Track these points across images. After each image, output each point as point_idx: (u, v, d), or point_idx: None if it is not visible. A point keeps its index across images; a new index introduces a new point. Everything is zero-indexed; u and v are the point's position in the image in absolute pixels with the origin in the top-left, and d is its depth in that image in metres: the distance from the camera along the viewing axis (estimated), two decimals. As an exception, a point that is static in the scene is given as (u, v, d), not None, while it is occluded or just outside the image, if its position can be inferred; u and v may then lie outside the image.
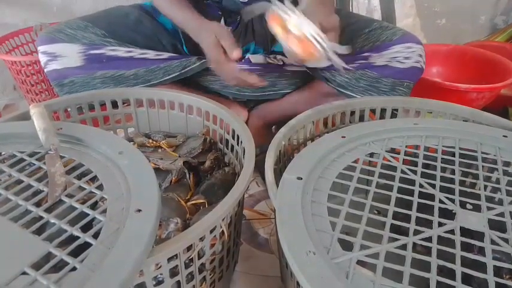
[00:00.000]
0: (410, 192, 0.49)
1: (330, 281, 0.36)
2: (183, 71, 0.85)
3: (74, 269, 0.36)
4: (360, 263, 0.39)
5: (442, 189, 0.50)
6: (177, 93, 0.77)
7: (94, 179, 0.49)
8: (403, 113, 0.74)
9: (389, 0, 1.39)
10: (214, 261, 0.54)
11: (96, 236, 0.39)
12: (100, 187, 0.47)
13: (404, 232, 0.43)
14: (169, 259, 0.45)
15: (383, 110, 0.75)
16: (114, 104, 0.78)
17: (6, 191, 0.46)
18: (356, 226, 0.43)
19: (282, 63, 0.89)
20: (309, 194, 0.47)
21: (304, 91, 0.92)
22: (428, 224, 0.44)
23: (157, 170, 0.65)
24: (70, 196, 0.46)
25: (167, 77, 0.85)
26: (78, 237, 0.40)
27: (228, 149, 0.75)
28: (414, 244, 0.41)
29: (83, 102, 0.75)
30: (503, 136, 0.59)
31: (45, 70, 0.83)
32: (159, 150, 0.75)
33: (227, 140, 0.74)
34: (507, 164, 0.55)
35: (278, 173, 0.58)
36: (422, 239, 0.42)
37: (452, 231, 0.43)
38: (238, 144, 0.68)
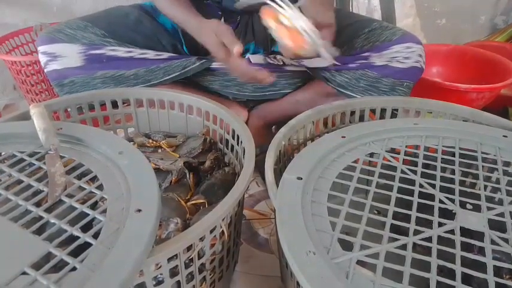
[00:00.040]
0: (410, 192, 0.49)
1: (330, 281, 0.36)
2: (183, 71, 0.85)
3: (74, 269, 0.36)
4: (360, 263, 0.39)
5: (442, 189, 0.50)
6: (177, 93, 0.77)
7: (94, 179, 0.49)
8: (403, 113, 0.74)
9: (389, 0, 1.39)
10: (214, 261, 0.54)
11: (96, 236, 0.39)
12: (100, 187, 0.47)
13: (404, 232, 0.43)
14: (169, 259, 0.45)
15: (383, 110, 0.75)
16: (114, 104, 0.78)
17: (6, 191, 0.46)
18: (356, 226, 0.43)
19: (282, 63, 0.89)
20: (309, 194, 0.47)
21: (304, 91, 0.92)
22: (428, 224, 0.44)
23: (157, 170, 0.65)
24: (70, 196, 0.46)
25: (167, 77, 0.85)
26: (78, 237, 0.40)
27: (228, 149, 0.75)
28: (414, 244, 0.41)
29: (83, 102, 0.75)
30: (503, 136, 0.59)
31: (45, 70, 0.83)
32: (159, 150, 0.75)
33: (227, 140, 0.74)
34: (507, 164, 0.55)
35: (278, 173, 0.58)
36: (422, 239, 0.42)
37: (452, 231, 0.43)
38: (238, 144, 0.68)
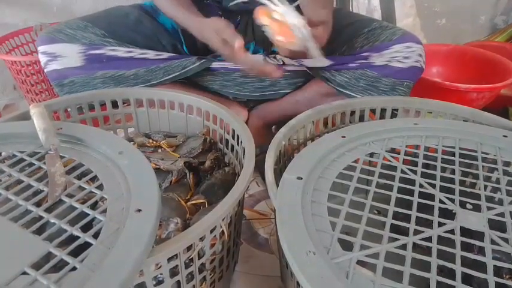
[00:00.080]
0: (410, 192, 0.49)
1: (330, 281, 0.36)
2: (183, 71, 0.85)
3: (74, 269, 0.36)
4: (360, 263, 0.39)
5: (442, 189, 0.50)
6: (177, 93, 0.77)
7: (94, 179, 0.49)
8: (403, 113, 0.74)
9: (389, 0, 1.39)
10: (214, 261, 0.54)
11: (96, 236, 0.39)
12: (100, 187, 0.47)
13: (404, 232, 0.43)
14: (169, 259, 0.45)
15: (383, 110, 0.75)
16: (114, 104, 0.78)
17: (6, 191, 0.46)
18: (356, 226, 0.43)
19: (282, 63, 0.89)
20: (309, 194, 0.47)
21: (304, 91, 0.92)
22: (428, 224, 0.44)
23: (157, 170, 0.65)
24: (70, 196, 0.46)
25: (167, 77, 0.85)
26: (78, 237, 0.40)
27: (228, 149, 0.75)
28: (414, 244, 0.41)
29: (83, 102, 0.75)
30: (503, 136, 0.59)
31: (45, 70, 0.83)
32: (159, 150, 0.75)
33: (227, 140, 0.74)
34: (507, 164, 0.55)
35: (278, 173, 0.58)
36: (423, 239, 0.42)
37: (452, 231, 0.43)
38: (238, 144, 0.68)
